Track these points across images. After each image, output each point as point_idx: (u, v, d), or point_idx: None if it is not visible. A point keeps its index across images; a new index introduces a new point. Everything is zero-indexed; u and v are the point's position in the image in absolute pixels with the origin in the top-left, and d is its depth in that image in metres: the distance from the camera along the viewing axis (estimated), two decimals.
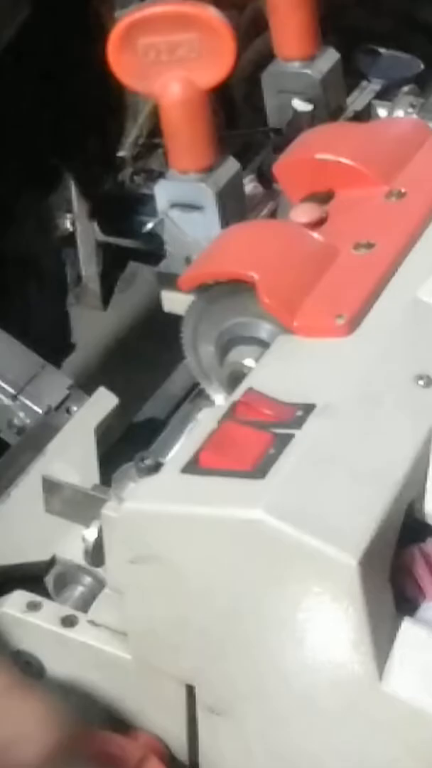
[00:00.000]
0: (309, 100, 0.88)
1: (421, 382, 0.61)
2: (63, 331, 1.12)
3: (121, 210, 0.94)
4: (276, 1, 0.90)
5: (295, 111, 0.88)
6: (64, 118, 1.09)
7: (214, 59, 0.74)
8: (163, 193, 0.79)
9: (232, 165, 0.81)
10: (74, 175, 1.08)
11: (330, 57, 0.90)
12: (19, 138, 1.02)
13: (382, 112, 0.90)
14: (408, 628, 0.54)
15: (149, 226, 0.82)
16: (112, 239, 0.96)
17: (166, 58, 0.75)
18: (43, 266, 1.13)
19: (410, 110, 0.87)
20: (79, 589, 0.69)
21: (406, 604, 0.57)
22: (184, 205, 0.79)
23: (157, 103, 0.78)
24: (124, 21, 0.77)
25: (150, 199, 0.81)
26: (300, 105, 0.88)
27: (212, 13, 0.75)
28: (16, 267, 1.11)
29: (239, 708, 0.61)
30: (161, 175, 0.82)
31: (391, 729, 0.56)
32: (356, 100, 0.92)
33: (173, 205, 0.79)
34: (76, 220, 1.05)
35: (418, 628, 0.55)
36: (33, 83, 1.06)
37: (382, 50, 0.94)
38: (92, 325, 0.98)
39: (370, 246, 0.69)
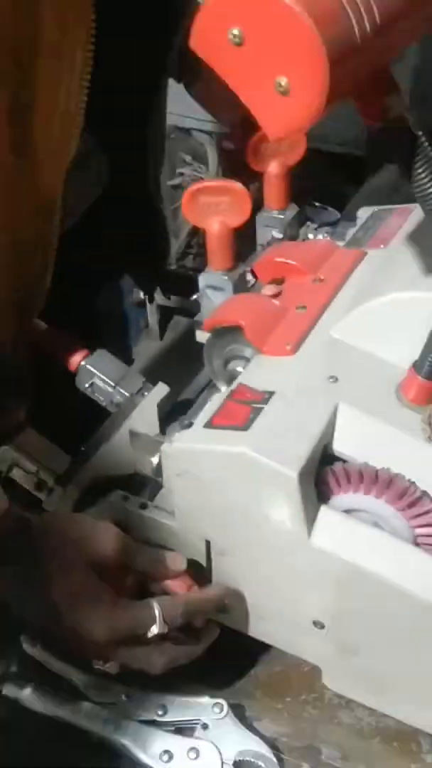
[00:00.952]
0: (280, 232, 0.94)
1: (331, 380, 0.68)
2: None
3: (176, 287, 0.98)
4: (269, 178, 0.93)
5: (273, 236, 0.95)
6: (139, 236, 1.07)
7: (238, 211, 0.79)
8: (202, 279, 0.84)
9: (241, 269, 0.85)
10: (145, 266, 1.08)
11: (293, 209, 0.96)
12: (108, 246, 1.02)
13: (311, 236, 0.96)
14: (323, 509, 0.62)
15: (194, 297, 0.87)
16: (168, 303, 1.02)
17: (213, 210, 0.80)
18: (125, 317, 1.15)
19: (326, 236, 0.93)
20: (149, 489, 0.75)
21: (322, 499, 0.63)
22: (214, 287, 0.83)
23: (206, 233, 0.82)
24: (193, 187, 0.81)
25: (194, 281, 0.86)
26: (275, 233, 0.95)
27: (238, 186, 0.79)
28: (108, 319, 1.14)
29: (234, 552, 0.67)
30: (201, 269, 0.86)
31: (316, 567, 0.62)
32: (302, 231, 0.97)
33: (207, 287, 0.84)
34: (147, 292, 1.10)
35: (327, 508, 0.62)
36: (119, 216, 1.04)
37: (317, 204, 0.99)
38: (153, 350, 1.07)
39: (304, 307, 0.75)
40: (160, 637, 0.64)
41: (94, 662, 0.68)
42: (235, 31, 0.49)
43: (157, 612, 0.63)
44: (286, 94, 0.49)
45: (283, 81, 0.49)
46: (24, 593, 0.63)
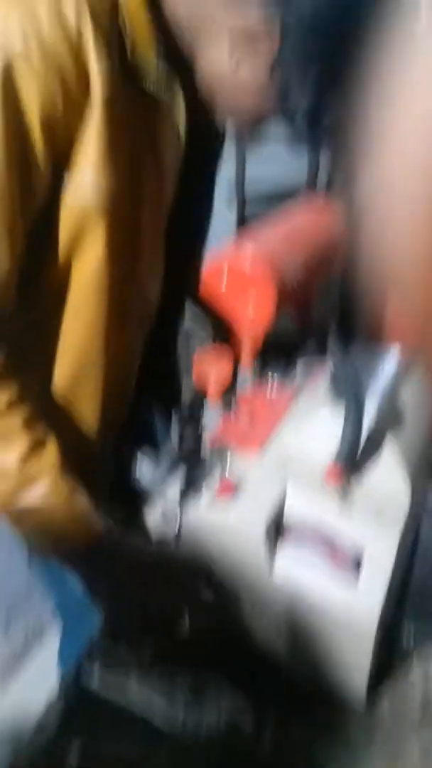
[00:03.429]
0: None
1: (283, 471, 0.65)
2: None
3: (191, 412, 0.83)
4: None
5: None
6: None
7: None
8: (205, 410, 0.80)
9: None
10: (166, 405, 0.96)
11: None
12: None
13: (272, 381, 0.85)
14: (280, 554, 0.61)
15: (200, 419, 0.81)
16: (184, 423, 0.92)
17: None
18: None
19: (278, 380, 0.83)
20: None
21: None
22: (212, 413, 0.79)
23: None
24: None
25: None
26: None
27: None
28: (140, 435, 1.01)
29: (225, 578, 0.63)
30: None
31: (278, 596, 0.61)
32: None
33: (207, 413, 0.80)
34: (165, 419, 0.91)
35: (281, 554, 0.61)
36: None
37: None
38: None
39: (265, 425, 0.71)
40: None
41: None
42: (224, 282, 0.55)
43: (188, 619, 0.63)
44: (253, 312, 0.55)
45: (251, 306, 0.55)
46: (113, 589, 0.63)
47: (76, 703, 0.63)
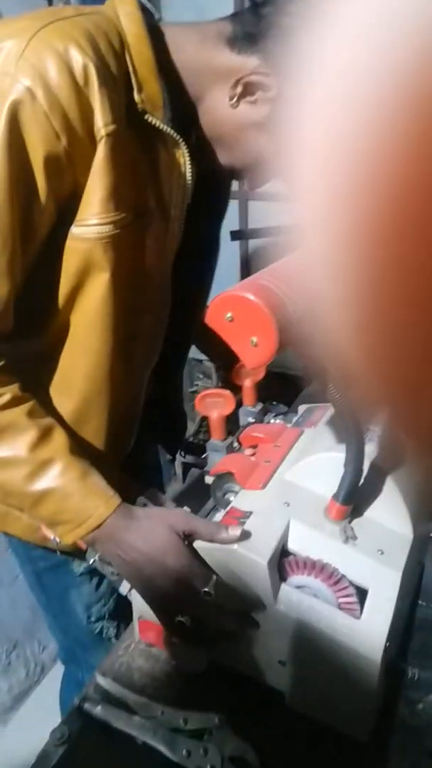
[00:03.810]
0: (252, 418, 0.88)
1: (285, 504, 0.65)
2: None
3: (193, 451, 0.91)
4: (245, 388, 0.89)
5: (248, 421, 0.88)
6: (171, 421, 1.00)
7: (228, 407, 0.77)
8: (208, 446, 0.80)
9: (231, 439, 0.80)
10: (175, 438, 1.01)
11: (259, 405, 0.89)
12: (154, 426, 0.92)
13: (271, 421, 0.88)
14: (282, 585, 0.61)
15: (204, 456, 0.82)
16: (188, 461, 0.91)
17: (213, 405, 0.78)
18: (163, 468, 1.07)
19: (279, 421, 0.87)
20: None
21: (282, 578, 0.61)
22: (215, 450, 0.79)
23: (209, 419, 0.77)
24: (202, 393, 0.77)
25: (204, 447, 0.81)
26: (250, 419, 0.88)
27: (228, 393, 0.77)
28: (153, 469, 1.07)
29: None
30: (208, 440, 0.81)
31: (280, 623, 0.60)
32: (265, 418, 0.89)
33: (211, 450, 0.80)
34: (175, 454, 0.97)
35: (285, 585, 0.61)
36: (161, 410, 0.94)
37: (274, 403, 0.93)
38: (178, 489, 0.86)
39: (268, 461, 0.73)
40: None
41: (176, 620, 0.63)
42: (228, 315, 0.55)
43: (214, 576, 0.61)
44: (256, 346, 0.55)
45: (255, 339, 0.55)
46: (132, 559, 0.62)
47: (80, 730, 0.62)
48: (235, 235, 1.53)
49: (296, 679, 0.62)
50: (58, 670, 1.41)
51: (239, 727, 0.62)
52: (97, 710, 0.64)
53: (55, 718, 0.78)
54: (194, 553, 0.62)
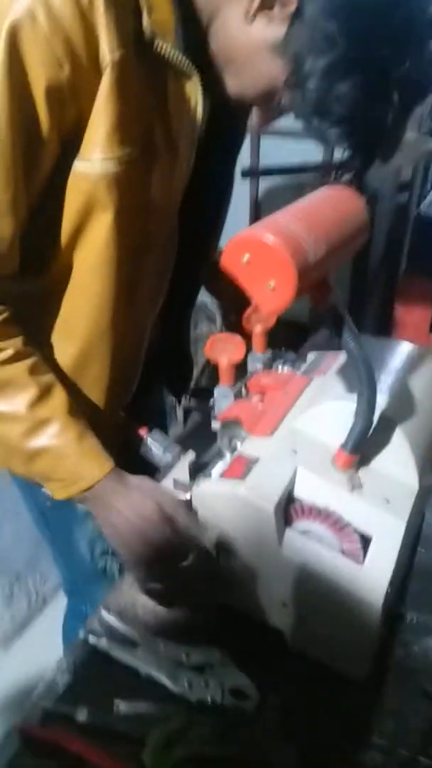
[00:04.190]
0: (261, 365, 0.87)
1: (293, 454, 0.66)
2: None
3: (200, 393, 0.91)
4: (255, 335, 0.85)
5: (257, 368, 0.87)
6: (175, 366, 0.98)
7: (238, 352, 0.75)
8: (216, 391, 0.78)
9: (239, 385, 0.80)
10: (179, 383, 1.00)
11: (269, 352, 0.87)
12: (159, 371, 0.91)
13: (279, 368, 0.87)
14: (288, 530, 0.62)
15: (211, 402, 0.79)
16: (190, 405, 0.94)
17: (223, 351, 0.76)
18: (167, 412, 1.07)
19: (288, 368, 0.87)
20: None
21: (288, 524, 0.63)
22: (224, 396, 0.78)
23: (218, 364, 0.76)
24: (213, 337, 0.75)
25: (207, 393, 0.80)
26: (258, 366, 0.87)
27: (238, 338, 0.75)
28: (157, 413, 1.06)
29: (236, 554, 0.64)
30: (210, 387, 0.80)
31: (285, 567, 0.61)
32: (274, 365, 0.88)
33: (219, 395, 0.78)
34: (178, 399, 0.99)
35: (291, 530, 0.63)
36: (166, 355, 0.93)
37: (283, 349, 0.90)
38: (179, 432, 0.91)
39: (276, 408, 0.73)
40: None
41: (150, 584, 0.65)
42: (245, 257, 0.53)
43: (193, 552, 0.64)
44: (273, 290, 0.53)
45: (272, 283, 0.53)
46: (117, 523, 0.63)
47: (85, 661, 0.63)
48: (246, 173, 1.47)
49: (298, 620, 0.64)
50: (59, 602, 1.45)
51: (240, 664, 0.63)
52: (101, 643, 0.66)
53: (56, 648, 0.83)
54: (178, 528, 0.63)
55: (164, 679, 0.62)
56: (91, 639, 0.66)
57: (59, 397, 0.63)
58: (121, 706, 0.59)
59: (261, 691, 0.61)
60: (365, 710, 0.60)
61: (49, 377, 0.64)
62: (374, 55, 0.52)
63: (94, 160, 0.57)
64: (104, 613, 0.69)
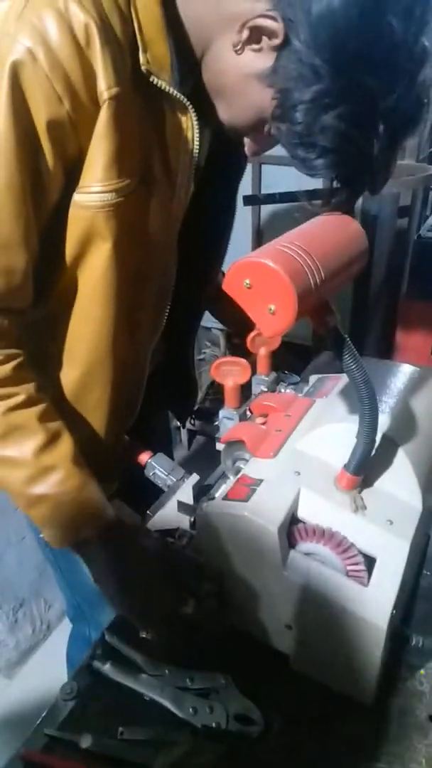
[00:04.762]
0: (265, 387, 0.87)
1: (296, 473, 0.65)
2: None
3: (204, 415, 0.92)
4: (259, 357, 0.86)
5: (261, 390, 0.87)
6: (180, 388, 0.99)
7: (243, 375, 0.76)
8: (221, 413, 0.79)
9: (243, 407, 0.80)
10: (183, 405, 1.02)
11: (272, 375, 0.88)
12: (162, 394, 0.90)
13: (282, 390, 0.88)
14: (291, 552, 0.61)
15: (215, 423, 0.80)
16: (194, 428, 0.96)
17: (229, 373, 0.77)
18: (170, 435, 1.06)
19: (291, 390, 0.87)
20: (187, 537, 0.70)
21: (291, 545, 0.62)
22: (228, 418, 0.79)
23: (224, 387, 0.77)
24: (218, 361, 0.76)
25: (210, 414, 0.81)
26: (263, 388, 0.87)
27: (244, 361, 0.76)
28: (160, 435, 1.05)
29: (238, 577, 0.64)
30: (214, 409, 0.81)
31: (288, 589, 0.61)
32: (278, 387, 0.89)
33: (224, 417, 0.79)
34: (182, 421, 1.01)
35: (294, 551, 0.62)
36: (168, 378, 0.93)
37: (286, 372, 0.92)
38: (183, 455, 0.98)
39: (280, 430, 0.72)
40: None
41: (141, 632, 0.66)
42: (246, 281, 0.54)
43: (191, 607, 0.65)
44: (274, 314, 0.54)
45: (272, 307, 0.53)
46: (119, 578, 0.64)
47: (89, 686, 0.63)
48: (248, 201, 1.49)
49: (302, 642, 0.63)
50: (63, 629, 1.44)
51: (244, 688, 0.63)
52: (106, 667, 0.66)
53: (60, 674, 0.81)
54: (175, 579, 0.65)
55: (169, 705, 0.62)
56: (95, 664, 0.66)
57: (66, 445, 0.63)
58: (126, 732, 0.59)
59: (266, 716, 0.61)
60: (371, 734, 0.60)
61: (57, 424, 0.64)
62: (360, 87, 0.52)
63: (93, 191, 0.58)
64: (108, 637, 0.69)
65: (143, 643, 0.66)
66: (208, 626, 0.67)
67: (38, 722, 0.60)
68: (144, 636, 0.66)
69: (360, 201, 1.34)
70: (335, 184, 0.60)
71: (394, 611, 0.57)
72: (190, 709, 0.62)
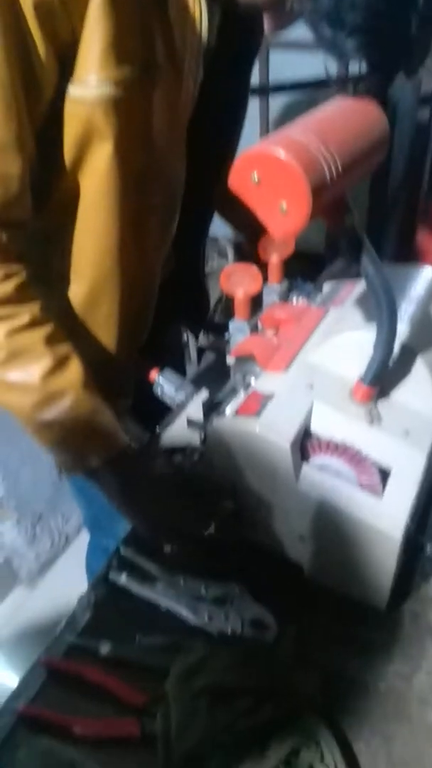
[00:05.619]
0: (277, 297, 0.85)
1: (308, 387, 0.66)
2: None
3: (215, 329, 0.90)
4: (271, 265, 0.83)
5: (273, 300, 0.85)
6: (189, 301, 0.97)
7: (254, 284, 0.74)
8: (231, 325, 0.78)
9: (254, 319, 0.78)
10: (192, 318, 0.99)
11: (285, 283, 0.85)
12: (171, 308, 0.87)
13: (295, 300, 0.85)
14: (304, 465, 0.61)
15: (226, 337, 0.80)
16: (203, 343, 0.93)
17: (239, 283, 0.75)
18: (180, 350, 1.05)
19: (304, 300, 0.85)
20: (198, 453, 0.69)
21: (304, 459, 0.63)
22: (239, 330, 0.78)
23: (234, 297, 0.75)
24: (228, 269, 0.74)
25: (219, 327, 0.82)
26: (274, 298, 0.85)
27: (255, 269, 0.74)
28: (170, 351, 1.03)
29: (252, 492, 0.65)
30: (224, 322, 0.79)
31: (301, 501, 0.61)
32: (290, 297, 0.87)
33: (234, 330, 0.78)
34: (189, 336, 1.01)
35: (307, 465, 0.62)
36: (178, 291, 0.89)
37: (299, 280, 0.88)
38: (193, 371, 0.97)
39: (291, 342, 0.72)
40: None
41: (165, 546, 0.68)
42: (254, 176, 0.50)
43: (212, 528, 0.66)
44: (285, 213, 0.50)
45: (284, 205, 0.50)
46: (135, 504, 0.65)
47: (106, 597, 0.65)
48: (255, 90, 1.38)
49: (316, 553, 0.64)
50: (82, 541, 1.49)
51: (259, 596, 0.64)
52: (122, 579, 0.67)
53: (80, 585, 0.82)
54: (193, 503, 0.65)
55: (184, 613, 0.64)
56: (112, 575, 0.68)
57: (75, 369, 0.61)
58: (143, 639, 0.61)
59: (280, 622, 0.63)
60: (384, 638, 0.61)
61: (65, 347, 0.61)
62: None
63: (90, 83, 0.53)
64: (124, 550, 0.70)
65: (159, 555, 0.68)
66: (224, 540, 0.67)
67: (59, 631, 0.61)
68: (162, 550, 0.67)
69: None
70: (364, 67, 0.54)
71: (409, 522, 0.57)
72: (206, 616, 0.63)
